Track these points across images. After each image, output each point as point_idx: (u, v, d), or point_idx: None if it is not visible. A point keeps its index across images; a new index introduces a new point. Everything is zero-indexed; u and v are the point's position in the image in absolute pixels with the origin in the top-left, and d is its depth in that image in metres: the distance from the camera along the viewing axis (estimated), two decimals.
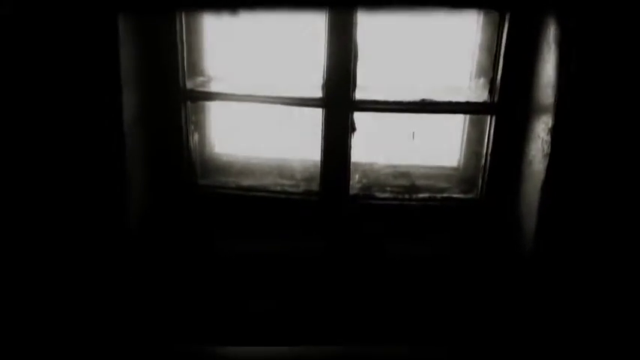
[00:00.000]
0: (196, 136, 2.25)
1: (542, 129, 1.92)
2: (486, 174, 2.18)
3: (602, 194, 1.90)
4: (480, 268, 2.19)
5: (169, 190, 2.26)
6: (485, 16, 2.08)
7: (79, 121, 1.93)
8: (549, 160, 1.88)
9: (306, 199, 2.25)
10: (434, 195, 2.26)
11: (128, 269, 2.10)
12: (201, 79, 2.20)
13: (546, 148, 1.89)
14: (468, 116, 2.23)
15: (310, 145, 2.23)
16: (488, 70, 2.10)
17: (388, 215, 2.23)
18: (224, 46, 2.23)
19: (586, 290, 2.01)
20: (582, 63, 1.79)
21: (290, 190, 2.27)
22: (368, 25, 2.04)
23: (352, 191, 2.24)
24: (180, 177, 2.25)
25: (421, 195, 2.26)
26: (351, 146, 2.17)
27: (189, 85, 2.15)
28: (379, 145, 2.32)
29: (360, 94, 2.11)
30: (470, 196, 2.25)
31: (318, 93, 2.11)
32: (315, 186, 2.25)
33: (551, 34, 1.86)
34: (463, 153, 2.30)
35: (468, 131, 2.25)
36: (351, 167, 2.20)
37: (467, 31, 2.15)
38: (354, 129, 2.15)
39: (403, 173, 2.32)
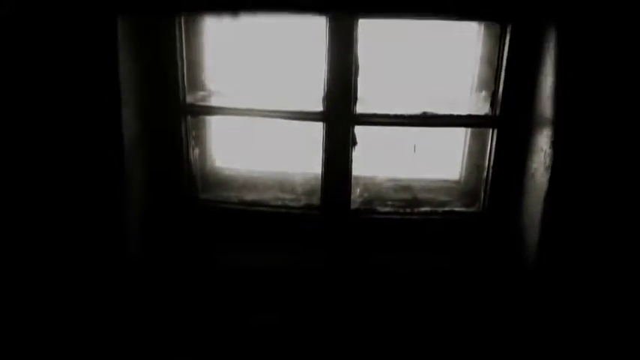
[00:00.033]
0: (197, 151, 2.24)
1: (544, 142, 1.91)
2: (488, 187, 2.17)
3: (605, 206, 1.89)
4: (483, 282, 2.18)
5: (170, 205, 2.25)
6: (486, 28, 2.08)
7: (77, 130, 1.92)
8: (551, 172, 1.88)
9: (307, 214, 2.24)
10: (435, 209, 2.25)
11: (128, 284, 2.08)
12: (201, 93, 2.20)
13: (548, 160, 1.88)
14: (469, 129, 2.22)
15: (311, 159, 2.22)
16: (490, 82, 2.09)
17: (390, 229, 2.22)
18: (224, 60, 2.23)
19: (590, 303, 1.99)
20: (583, 75, 1.78)
21: (291, 204, 2.26)
22: (369, 38, 2.04)
23: (353, 205, 2.22)
24: (181, 191, 2.24)
25: (423, 209, 2.25)
26: (352, 160, 2.16)
27: (189, 99, 2.14)
28: (380, 159, 2.31)
29: (360, 108, 2.11)
30: (472, 209, 2.24)
31: (318, 107, 2.10)
32: (316, 200, 2.24)
33: (552, 46, 1.85)
34: (465, 166, 2.29)
35: (470, 144, 2.24)
36: (352, 181, 2.19)
37: (468, 43, 2.14)
38: (354, 143, 2.14)
39: (404, 187, 2.31)
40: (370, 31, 2.04)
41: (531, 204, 2.00)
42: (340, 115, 2.09)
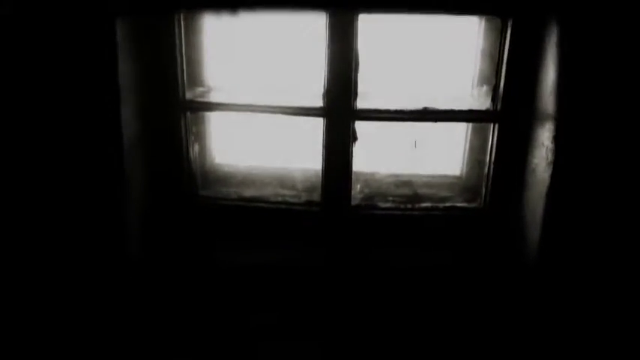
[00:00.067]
0: (197, 147, 2.23)
1: (546, 136, 1.90)
2: (489, 182, 2.16)
3: (608, 201, 1.88)
4: (484, 278, 2.17)
5: (170, 202, 2.24)
6: (487, 22, 2.07)
7: (77, 129, 1.91)
8: (553, 167, 1.87)
9: (308, 210, 2.23)
10: (436, 204, 2.24)
11: (128, 281, 2.08)
12: (200, 89, 2.19)
13: (550, 155, 1.87)
14: (470, 124, 2.21)
15: (311, 155, 2.21)
16: (491, 77, 2.08)
17: (390, 225, 2.21)
18: (224, 56, 2.22)
19: (591, 299, 1.99)
20: (585, 69, 1.77)
21: (291, 200, 2.25)
22: (369, 32, 2.03)
23: (354, 201, 2.22)
24: (181, 188, 2.23)
25: (424, 204, 2.24)
26: (352, 155, 2.15)
27: (188, 95, 2.13)
28: (381, 154, 2.30)
29: (361, 103, 2.10)
30: (473, 204, 2.23)
31: (318, 102, 2.09)
32: (316, 196, 2.24)
33: (553, 40, 1.84)
34: (466, 161, 2.28)
35: (471, 139, 2.23)
36: (352, 177, 2.18)
37: (469, 38, 2.14)
38: (355, 138, 2.13)
39: (405, 182, 2.31)
40: (370, 26, 2.03)
41: (533, 199, 1.99)
42: (340, 111, 2.08)
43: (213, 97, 2.17)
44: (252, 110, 2.14)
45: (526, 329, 2.06)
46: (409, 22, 2.09)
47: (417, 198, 2.26)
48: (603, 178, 1.86)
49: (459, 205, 2.24)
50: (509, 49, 1.98)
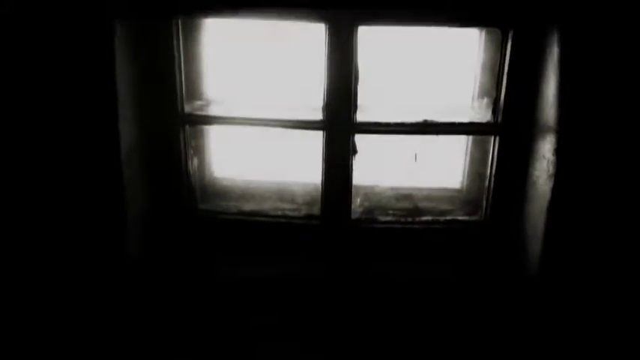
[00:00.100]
0: (195, 161, 2.22)
1: (547, 149, 1.89)
2: (490, 195, 2.15)
3: (609, 215, 1.88)
4: (485, 292, 2.16)
5: (169, 215, 2.23)
6: (487, 34, 2.07)
7: (75, 138, 1.90)
8: (555, 180, 1.86)
9: (307, 224, 2.22)
10: (437, 218, 2.23)
11: (127, 295, 2.07)
12: (199, 102, 2.18)
13: (551, 168, 1.86)
14: (471, 137, 2.21)
15: (311, 168, 2.20)
16: (492, 89, 2.08)
17: (391, 239, 2.20)
18: (222, 69, 2.22)
19: (592, 313, 1.97)
20: (586, 81, 1.77)
21: (291, 214, 2.24)
22: (369, 45, 2.02)
23: (354, 215, 2.20)
24: (180, 202, 2.22)
25: (424, 218, 2.23)
26: (352, 169, 2.14)
27: (187, 109, 2.12)
28: (381, 168, 2.29)
29: (361, 116, 2.09)
30: (474, 218, 2.22)
31: (318, 115, 2.09)
32: (316, 210, 2.22)
33: (554, 52, 1.84)
34: (466, 174, 2.27)
35: (472, 152, 2.22)
36: (352, 190, 2.17)
37: (469, 50, 2.13)
38: (355, 151, 2.12)
39: (406, 196, 2.30)
40: (370, 39, 2.02)
41: (534, 212, 1.98)
42: (340, 124, 2.08)
43: (212, 111, 2.16)
44: (252, 124, 2.13)
45: (527, 343, 2.05)
46: (409, 34, 2.09)
47: (417, 211, 2.25)
48: (605, 191, 1.85)
49: (459, 218, 2.23)
50: (509, 61, 1.98)
